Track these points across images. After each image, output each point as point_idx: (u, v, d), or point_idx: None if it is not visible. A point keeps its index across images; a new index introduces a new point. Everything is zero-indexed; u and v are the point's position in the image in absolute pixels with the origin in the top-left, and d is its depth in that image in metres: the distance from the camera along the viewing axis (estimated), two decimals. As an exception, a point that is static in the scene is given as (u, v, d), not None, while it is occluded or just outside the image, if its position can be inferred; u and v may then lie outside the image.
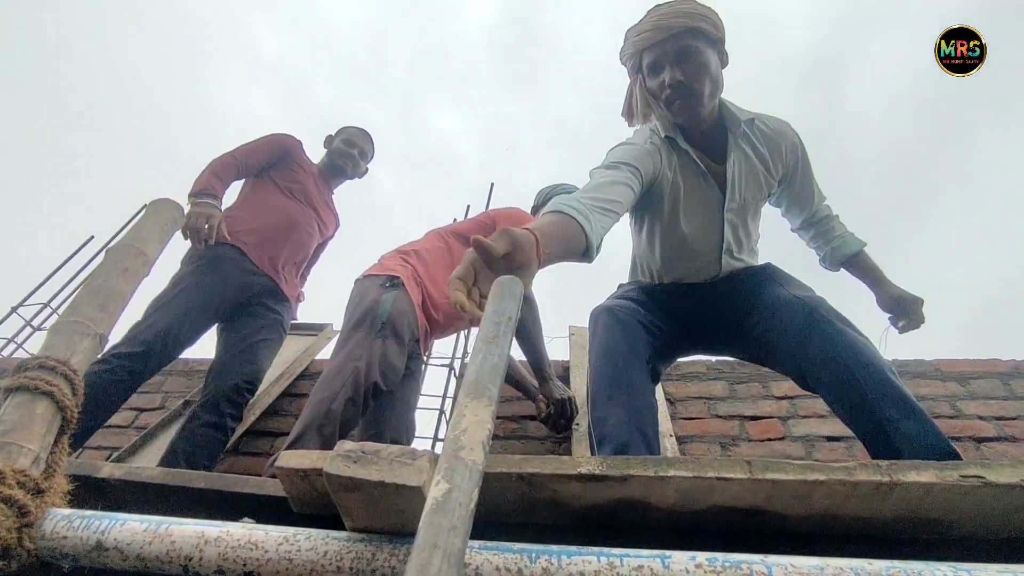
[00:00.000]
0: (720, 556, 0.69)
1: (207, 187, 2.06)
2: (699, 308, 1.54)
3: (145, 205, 2.11)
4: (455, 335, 2.58)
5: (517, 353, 2.13)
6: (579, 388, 2.19)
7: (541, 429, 2.14)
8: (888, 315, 1.61)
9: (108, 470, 1.09)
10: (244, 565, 0.74)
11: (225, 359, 2.04)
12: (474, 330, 2.69)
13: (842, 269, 1.71)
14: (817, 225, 1.70)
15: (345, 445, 0.76)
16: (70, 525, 0.80)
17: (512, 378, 2.16)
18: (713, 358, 2.38)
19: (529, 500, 0.84)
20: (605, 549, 0.71)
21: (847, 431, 2.14)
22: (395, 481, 0.69)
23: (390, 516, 0.74)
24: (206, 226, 1.98)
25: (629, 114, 1.56)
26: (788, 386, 2.24)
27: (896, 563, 0.67)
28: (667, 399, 2.19)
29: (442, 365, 2.62)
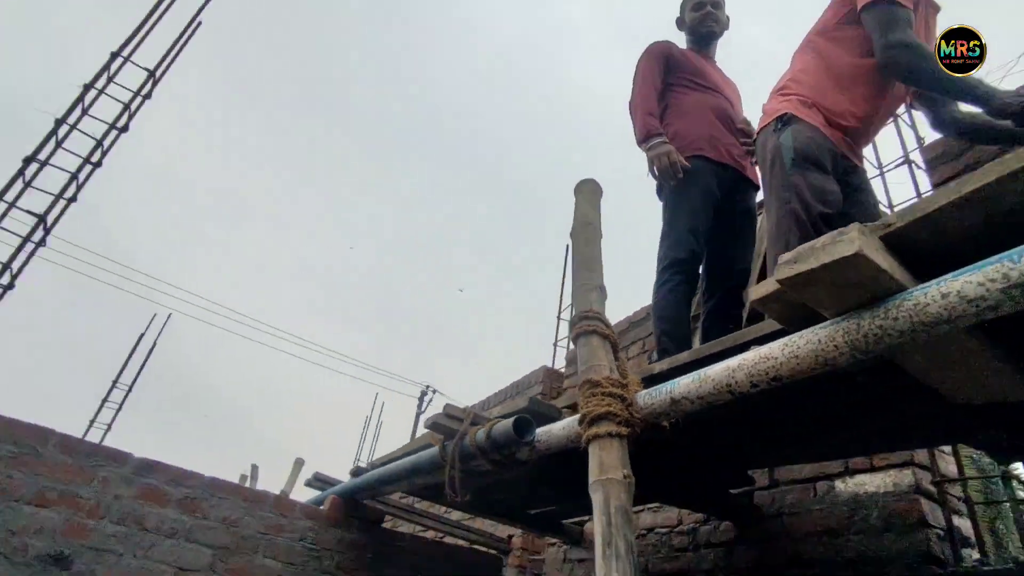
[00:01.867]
0: None
1: (649, 128, 2.19)
2: None
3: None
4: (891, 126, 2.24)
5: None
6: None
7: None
8: None
9: (658, 367, 1.49)
10: (767, 374, 0.95)
11: (713, 261, 2.24)
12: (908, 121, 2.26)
13: None
14: None
15: (783, 257, 0.89)
16: (649, 396, 1.19)
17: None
18: None
19: None
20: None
21: None
22: (832, 258, 0.78)
23: (854, 292, 0.83)
24: (668, 163, 2.11)
25: None
26: None
27: None
28: None
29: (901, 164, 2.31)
